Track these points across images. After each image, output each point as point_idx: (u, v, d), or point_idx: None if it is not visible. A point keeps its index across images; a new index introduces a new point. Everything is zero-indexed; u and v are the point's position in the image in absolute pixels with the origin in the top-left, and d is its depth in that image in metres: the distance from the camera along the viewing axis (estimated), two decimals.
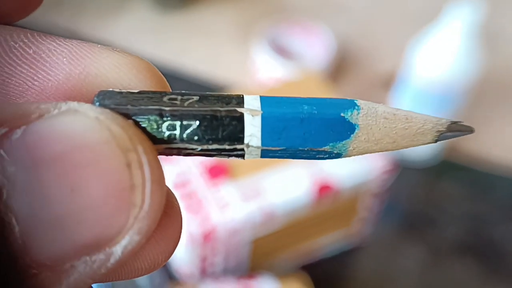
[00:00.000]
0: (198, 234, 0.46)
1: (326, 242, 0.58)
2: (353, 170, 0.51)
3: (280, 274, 0.52)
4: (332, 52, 0.69)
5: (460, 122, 0.13)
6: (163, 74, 0.14)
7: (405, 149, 0.13)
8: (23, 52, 0.12)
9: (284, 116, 0.12)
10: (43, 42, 0.13)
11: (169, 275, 0.54)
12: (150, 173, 0.11)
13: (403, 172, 0.63)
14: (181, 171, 0.49)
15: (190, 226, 0.46)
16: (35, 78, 0.13)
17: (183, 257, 0.50)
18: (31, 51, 0.13)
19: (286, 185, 0.49)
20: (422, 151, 0.65)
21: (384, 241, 0.61)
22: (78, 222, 0.11)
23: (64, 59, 0.13)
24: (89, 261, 0.11)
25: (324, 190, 0.49)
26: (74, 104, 0.11)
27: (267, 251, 0.54)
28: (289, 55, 0.71)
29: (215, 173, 0.49)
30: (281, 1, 0.82)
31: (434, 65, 0.59)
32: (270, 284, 0.50)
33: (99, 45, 0.13)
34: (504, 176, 0.66)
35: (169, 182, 0.48)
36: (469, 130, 0.13)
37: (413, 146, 0.13)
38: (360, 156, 0.13)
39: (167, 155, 0.13)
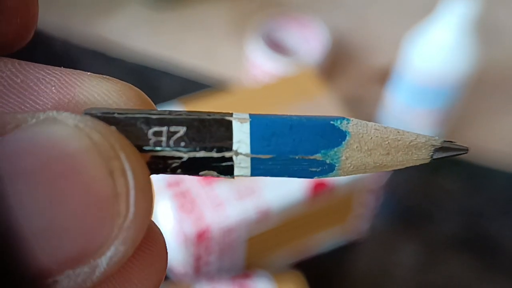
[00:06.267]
0: (192, 234, 0.46)
1: (322, 239, 0.57)
2: None
3: (276, 272, 0.52)
4: (328, 46, 0.69)
5: (453, 142, 0.13)
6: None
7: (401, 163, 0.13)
8: (10, 82, 0.12)
9: (273, 122, 0.13)
10: (31, 71, 0.13)
11: None
12: (134, 180, 0.11)
13: None
14: None
15: (183, 225, 0.46)
16: (22, 107, 0.13)
17: (177, 257, 0.50)
18: (18, 80, 0.12)
19: (281, 183, 0.48)
20: None
21: (380, 237, 0.61)
22: (59, 235, 0.10)
23: (53, 88, 0.13)
24: (72, 275, 0.11)
25: (320, 187, 0.49)
26: (52, 113, 0.11)
27: (263, 249, 0.53)
28: (284, 50, 0.70)
29: None
30: None
31: (430, 59, 0.59)
32: (265, 283, 0.50)
33: (88, 73, 0.13)
34: (501, 170, 0.65)
35: (162, 181, 0.48)
36: (464, 150, 0.13)
37: (410, 162, 0.13)
38: (356, 173, 0.12)
39: (153, 170, 0.13)
